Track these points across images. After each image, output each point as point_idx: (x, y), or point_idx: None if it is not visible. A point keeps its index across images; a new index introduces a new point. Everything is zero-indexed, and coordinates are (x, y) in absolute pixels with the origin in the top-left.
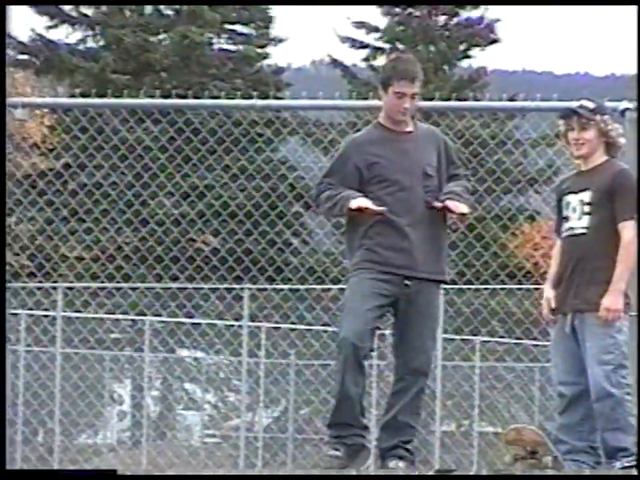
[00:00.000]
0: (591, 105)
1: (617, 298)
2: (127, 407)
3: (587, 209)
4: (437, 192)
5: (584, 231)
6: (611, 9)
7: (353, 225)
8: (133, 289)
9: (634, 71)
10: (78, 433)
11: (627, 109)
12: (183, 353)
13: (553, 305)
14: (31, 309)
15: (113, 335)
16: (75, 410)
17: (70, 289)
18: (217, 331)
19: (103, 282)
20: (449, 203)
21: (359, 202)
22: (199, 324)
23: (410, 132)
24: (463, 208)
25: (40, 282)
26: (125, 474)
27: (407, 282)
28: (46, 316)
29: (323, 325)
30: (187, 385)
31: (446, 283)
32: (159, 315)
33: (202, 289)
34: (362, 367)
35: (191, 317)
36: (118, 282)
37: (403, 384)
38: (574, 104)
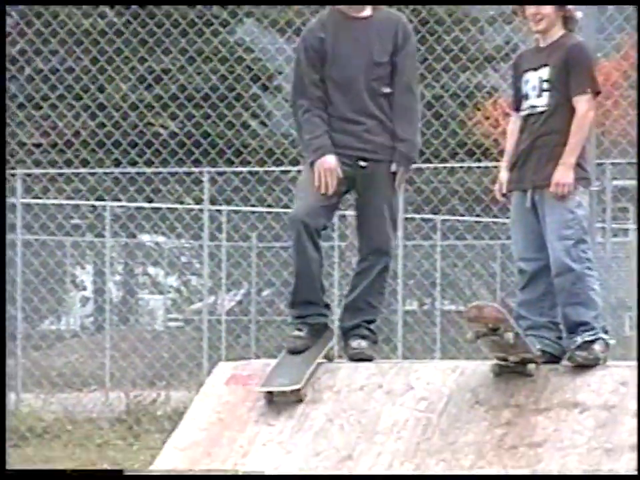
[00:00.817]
0: None
1: (566, 171)
2: (89, 292)
3: (545, 85)
4: (387, 80)
5: (544, 108)
6: None
7: None
8: (92, 174)
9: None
10: (40, 320)
11: None
12: (144, 237)
13: (504, 190)
14: None
15: (73, 221)
16: (36, 296)
17: (28, 175)
18: (177, 215)
19: (61, 168)
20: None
21: (325, 165)
22: (159, 208)
23: (365, 17)
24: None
25: None
26: (131, 473)
27: (361, 163)
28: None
29: (283, 207)
30: (149, 270)
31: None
32: (119, 200)
33: (161, 173)
34: (316, 243)
35: (150, 202)
36: (76, 167)
37: (366, 264)
38: None
